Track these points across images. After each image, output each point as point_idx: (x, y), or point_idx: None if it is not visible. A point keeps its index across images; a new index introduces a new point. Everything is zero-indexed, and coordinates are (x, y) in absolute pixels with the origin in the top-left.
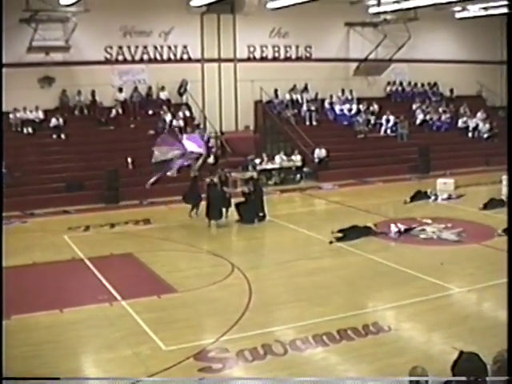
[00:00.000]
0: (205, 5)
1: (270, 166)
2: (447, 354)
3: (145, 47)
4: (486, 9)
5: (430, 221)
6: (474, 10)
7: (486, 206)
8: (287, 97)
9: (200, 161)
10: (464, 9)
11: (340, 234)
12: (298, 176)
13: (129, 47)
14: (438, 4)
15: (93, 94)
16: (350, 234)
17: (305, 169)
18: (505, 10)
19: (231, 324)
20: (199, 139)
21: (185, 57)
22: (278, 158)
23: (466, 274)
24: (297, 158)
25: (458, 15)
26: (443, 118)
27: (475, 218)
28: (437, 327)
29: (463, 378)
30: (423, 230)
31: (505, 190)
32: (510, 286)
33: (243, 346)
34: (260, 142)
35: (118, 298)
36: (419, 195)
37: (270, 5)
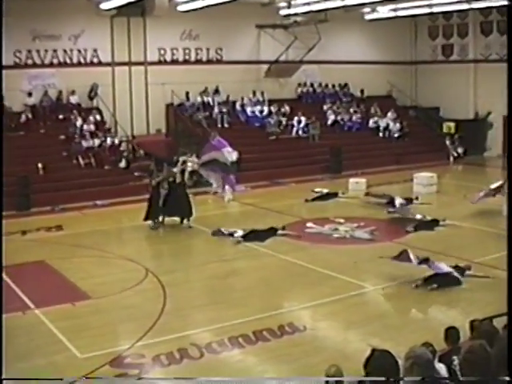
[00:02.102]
0: (115, 8)
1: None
2: (363, 351)
3: (54, 51)
4: (395, 10)
5: (342, 220)
6: (383, 12)
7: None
8: (198, 99)
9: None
10: (374, 10)
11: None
12: None
13: (38, 51)
14: (348, 6)
15: (1, 98)
16: (255, 235)
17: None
18: (414, 12)
19: (146, 329)
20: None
21: (95, 60)
22: (190, 161)
23: (379, 271)
24: None
25: (367, 17)
26: (354, 118)
27: (387, 216)
28: (352, 325)
29: (379, 378)
30: (336, 229)
31: (416, 188)
32: (509, 283)
33: (159, 351)
34: (172, 145)
35: (32, 306)
36: (327, 196)
37: (181, 7)
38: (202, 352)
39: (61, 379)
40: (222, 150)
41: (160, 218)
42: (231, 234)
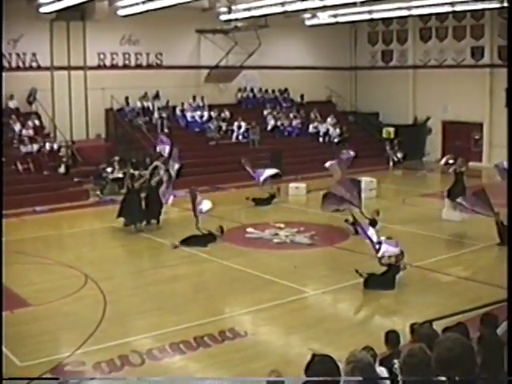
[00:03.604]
0: (54, 12)
1: (121, 174)
2: (304, 356)
3: None
4: (335, 16)
5: (282, 225)
6: (323, 18)
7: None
8: (138, 104)
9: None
10: (314, 16)
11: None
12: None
13: None
14: (289, 12)
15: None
16: (193, 241)
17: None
18: (354, 18)
19: (87, 336)
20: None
21: (34, 65)
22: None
23: (320, 276)
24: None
25: (307, 22)
26: (294, 123)
27: (327, 221)
28: (293, 330)
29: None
30: (276, 234)
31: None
32: (509, 284)
33: (100, 358)
34: (112, 150)
35: None
36: (266, 200)
37: (121, 12)
38: (142, 358)
39: (57, 378)
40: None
41: (143, 223)
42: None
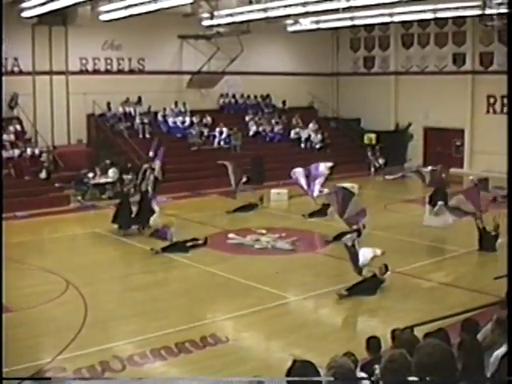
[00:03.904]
0: (36, 16)
1: (103, 179)
2: (286, 362)
3: None
4: (317, 22)
5: (264, 231)
6: (305, 24)
7: (311, 215)
8: (120, 110)
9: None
10: (296, 22)
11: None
12: (132, 190)
13: None
14: (271, 18)
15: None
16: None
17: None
18: (336, 24)
19: (68, 342)
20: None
21: (15, 69)
22: (111, 172)
23: (301, 282)
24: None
25: (290, 28)
26: (276, 129)
27: (309, 227)
28: (275, 336)
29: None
30: (258, 240)
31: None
32: (509, 284)
33: (80, 364)
34: (93, 155)
35: None
36: (248, 207)
37: (103, 17)
38: (123, 364)
39: (49, 379)
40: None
41: (134, 227)
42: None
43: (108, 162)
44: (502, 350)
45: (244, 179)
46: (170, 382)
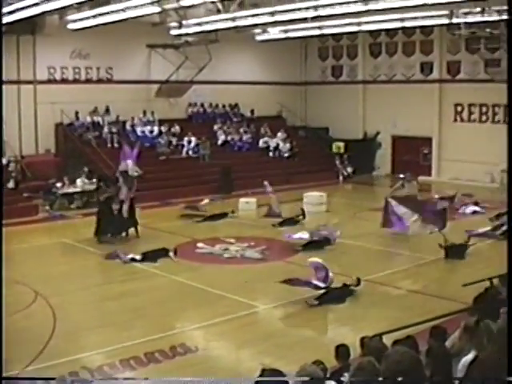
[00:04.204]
0: (4, 25)
1: (71, 189)
2: (255, 371)
3: None
4: (285, 31)
5: (233, 240)
6: (274, 33)
7: (281, 224)
8: (88, 119)
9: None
10: (264, 31)
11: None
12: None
13: None
14: (239, 27)
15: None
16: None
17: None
18: (304, 33)
19: (36, 353)
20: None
21: None
22: (79, 182)
23: (270, 290)
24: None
25: (258, 37)
26: (244, 138)
27: (277, 236)
28: (244, 345)
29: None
30: (227, 249)
31: (306, 208)
32: (509, 285)
33: (50, 375)
34: (61, 165)
35: None
36: (217, 216)
37: (72, 26)
38: (92, 375)
39: (53, 379)
40: (127, 161)
41: (123, 233)
42: (133, 259)
43: (86, 169)
44: (470, 356)
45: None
46: (169, 382)
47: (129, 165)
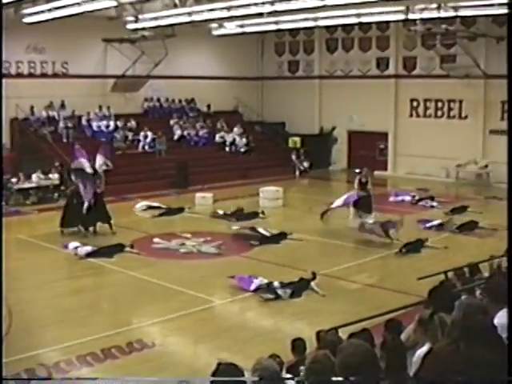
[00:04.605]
0: None
1: (27, 185)
2: (212, 366)
3: None
4: (242, 26)
5: (189, 235)
6: (230, 28)
7: (238, 219)
8: (44, 114)
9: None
10: (221, 26)
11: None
12: (56, 195)
13: None
14: (196, 21)
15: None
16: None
17: (62, 187)
18: (261, 28)
19: None
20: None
21: None
22: (34, 177)
23: (227, 285)
24: (54, 177)
25: (215, 32)
26: (201, 133)
27: (234, 231)
28: (201, 340)
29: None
30: (183, 244)
31: (262, 202)
32: (510, 284)
33: (5, 372)
34: (16, 160)
35: None
36: (171, 211)
37: (27, 19)
38: (49, 372)
39: (49, 379)
40: (80, 160)
41: (91, 228)
42: (88, 255)
43: (57, 163)
44: (424, 348)
45: None
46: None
47: (83, 163)
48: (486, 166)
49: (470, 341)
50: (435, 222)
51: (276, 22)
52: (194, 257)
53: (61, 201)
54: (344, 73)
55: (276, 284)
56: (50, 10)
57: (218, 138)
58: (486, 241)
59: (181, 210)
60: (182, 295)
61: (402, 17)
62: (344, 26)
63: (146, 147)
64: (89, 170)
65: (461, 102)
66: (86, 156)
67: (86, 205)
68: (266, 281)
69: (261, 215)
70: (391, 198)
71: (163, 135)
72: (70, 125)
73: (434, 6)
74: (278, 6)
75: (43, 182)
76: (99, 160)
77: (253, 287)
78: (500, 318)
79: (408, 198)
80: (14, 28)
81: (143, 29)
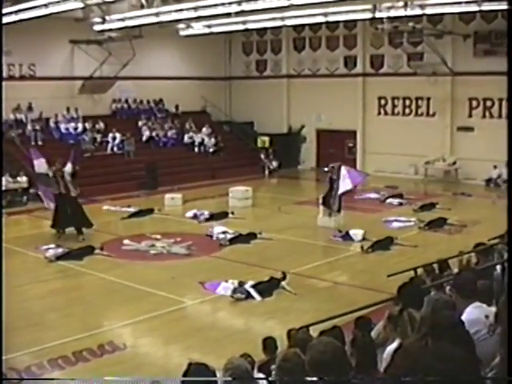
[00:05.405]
0: None
1: None
2: (184, 366)
3: None
4: (209, 26)
5: (159, 236)
6: (197, 28)
7: (210, 218)
8: (11, 116)
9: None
10: (188, 26)
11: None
12: (25, 198)
13: None
14: (163, 22)
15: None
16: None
17: (31, 190)
18: (228, 28)
19: None
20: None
21: None
22: (3, 180)
23: (197, 286)
24: (23, 180)
25: (182, 33)
26: (169, 134)
27: (203, 231)
28: (173, 340)
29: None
30: (153, 245)
31: (231, 202)
32: (510, 284)
33: None
34: None
35: None
36: (143, 212)
37: None
38: (21, 376)
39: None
40: (41, 160)
41: (67, 230)
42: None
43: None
44: (394, 345)
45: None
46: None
47: (43, 163)
48: (454, 163)
49: (438, 336)
50: (401, 219)
51: (243, 22)
52: (164, 258)
53: (29, 204)
54: (312, 72)
55: (247, 285)
56: (16, 12)
57: (186, 138)
58: (455, 237)
59: (150, 211)
60: (153, 296)
61: (369, 15)
62: (311, 25)
63: (115, 149)
64: (49, 171)
65: (428, 99)
66: (44, 157)
67: (51, 205)
68: (235, 284)
69: (230, 215)
70: (358, 196)
71: (132, 136)
72: (37, 127)
73: (401, 4)
74: (245, 6)
75: (11, 185)
76: (68, 166)
77: (219, 290)
78: (468, 314)
79: (375, 196)
80: None
81: (110, 30)
